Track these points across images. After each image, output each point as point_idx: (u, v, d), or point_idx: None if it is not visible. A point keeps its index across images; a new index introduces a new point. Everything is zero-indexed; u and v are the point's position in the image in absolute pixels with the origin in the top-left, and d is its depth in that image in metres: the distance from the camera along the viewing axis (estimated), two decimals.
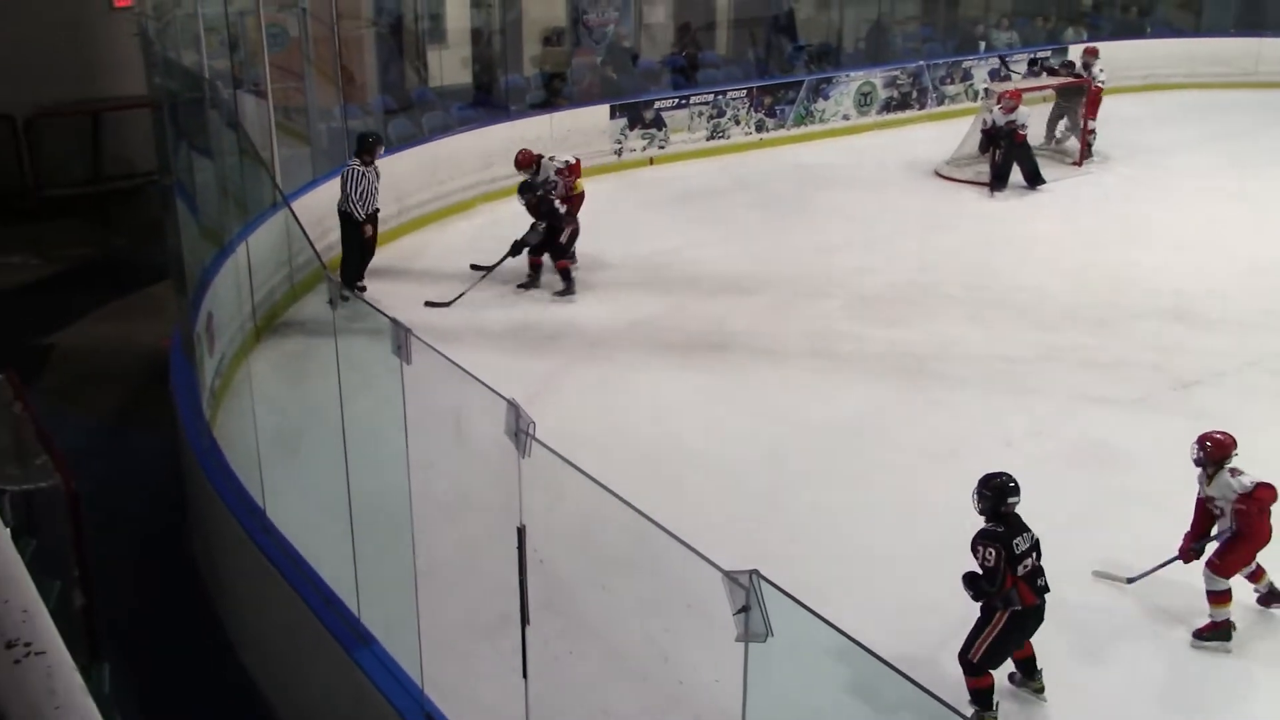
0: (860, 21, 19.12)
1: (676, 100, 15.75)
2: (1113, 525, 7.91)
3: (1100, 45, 18.92)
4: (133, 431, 10.14)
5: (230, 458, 7.56)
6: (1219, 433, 6.91)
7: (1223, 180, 15.11)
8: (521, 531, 4.58)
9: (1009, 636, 6.04)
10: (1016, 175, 14.57)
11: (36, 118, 15.00)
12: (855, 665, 3.48)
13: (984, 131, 14.57)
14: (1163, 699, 6.47)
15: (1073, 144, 15.64)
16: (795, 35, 18.33)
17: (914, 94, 17.72)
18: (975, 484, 6.20)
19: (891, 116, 17.55)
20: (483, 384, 4.61)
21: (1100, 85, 15.49)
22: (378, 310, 5.32)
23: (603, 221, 13.42)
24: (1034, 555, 6.02)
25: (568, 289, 11.37)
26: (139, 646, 7.44)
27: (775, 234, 13.20)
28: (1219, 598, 6.77)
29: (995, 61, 18.45)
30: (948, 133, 16.01)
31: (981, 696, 6.15)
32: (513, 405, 4.37)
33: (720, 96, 16.04)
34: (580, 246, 11.85)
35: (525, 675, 4.89)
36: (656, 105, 15.55)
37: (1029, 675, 6.36)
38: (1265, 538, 6.76)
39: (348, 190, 11.10)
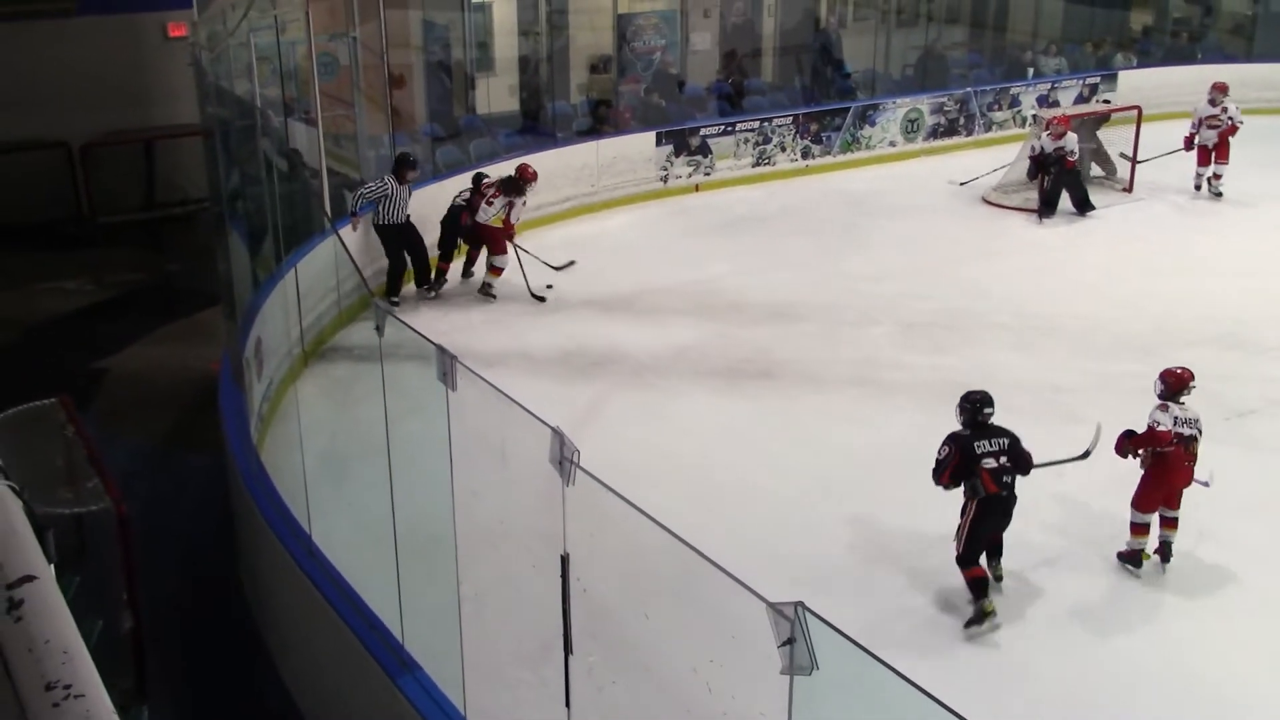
0: (907, 48, 19.08)
1: (722, 127, 15.76)
2: (1174, 557, 7.78)
3: (1151, 71, 18.86)
4: (183, 455, 10.25)
5: (277, 481, 7.61)
6: (1179, 368, 7.61)
7: (1276, 207, 14.90)
8: (565, 559, 4.56)
9: (981, 521, 7.10)
10: (1066, 202, 14.45)
11: (92, 145, 15.26)
12: (903, 701, 3.43)
13: (1032, 158, 14.46)
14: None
15: (1124, 170, 15.46)
16: (841, 62, 18.31)
17: (961, 120, 17.63)
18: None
19: (939, 143, 17.46)
20: (527, 411, 4.60)
21: (1239, 124, 14.99)
22: (423, 337, 5.34)
23: (648, 248, 13.49)
24: (1000, 457, 7.06)
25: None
26: (184, 669, 7.49)
27: (821, 261, 13.15)
28: (1135, 529, 7.55)
29: (1044, 88, 18.33)
30: (996, 159, 15.91)
31: (977, 586, 7.07)
32: (557, 433, 4.36)
33: (766, 123, 16.04)
34: (624, 272, 11.90)
35: (568, 704, 4.86)
36: (702, 132, 15.57)
37: (991, 557, 7.36)
38: (1174, 480, 7.40)
39: (357, 192, 11.53)
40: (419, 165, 12.10)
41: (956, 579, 7.43)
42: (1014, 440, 7.17)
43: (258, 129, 10.25)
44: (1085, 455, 8.09)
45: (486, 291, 11.93)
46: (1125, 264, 13.01)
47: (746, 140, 15.88)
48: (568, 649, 4.72)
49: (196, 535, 9.17)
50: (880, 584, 7.46)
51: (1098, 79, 18.69)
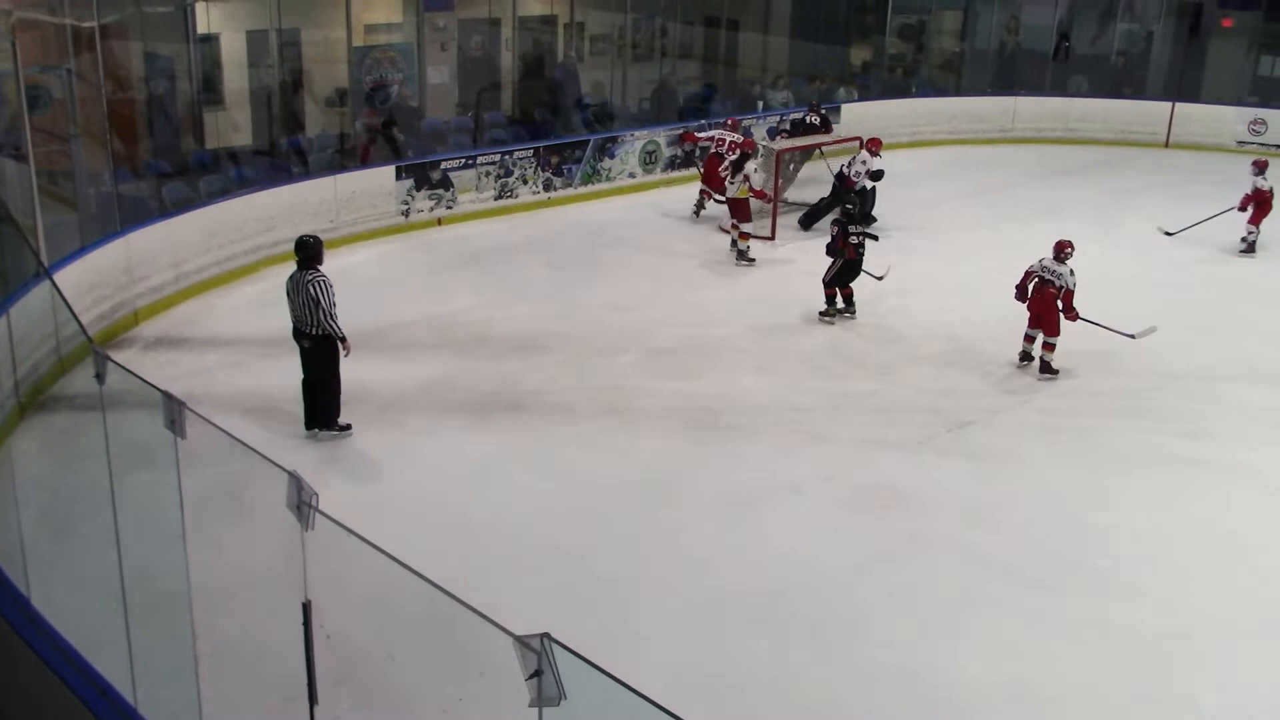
0: (643, 82, 19.53)
1: (463, 160, 15.71)
2: (903, 565, 8.18)
3: (871, 104, 19.91)
4: None
5: None
6: (1063, 239, 11.20)
7: (987, 229, 15.98)
8: (307, 607, 4.42)
9: (841, 272, 12.30)
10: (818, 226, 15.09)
11: None
12: None
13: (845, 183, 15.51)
14: None
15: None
16: (581, 95, 18.59)
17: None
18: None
19: (676, 174, 17.92)
20: (262, 456, 4.44)
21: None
22: (148, 383, 5.08)
23: (391, 283, 13.29)
24: (860, 237, 12.26)
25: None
26: None
27: (566, 292, 13.26)
28: (1025, 338, 11.46)
29: (773, 119, 19.10)
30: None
31: (829, 299, 12.43)
32: (294, 477, 4.22)
33: (507, 156, 16.09)
34: (367, 308, 11.69)
35: None
36: (443, 166, 15.47)
37: (848, 304, 12.51)
38: (1035, 306, 11.21)
39: (331, 301, 9.34)
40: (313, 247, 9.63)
41: (710, 604, 7.60)
42: (865, 232, 12.45)
43: None
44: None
45: (742, 256, 14.43)
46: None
47: (488, 173, 15.88)
48: (313, 699, 4.57)
49: None
50: (637, 610, 7.53)
51: (824, 112, 19.58)
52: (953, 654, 7.21)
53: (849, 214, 12.38)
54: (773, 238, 15.10)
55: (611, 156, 17.20)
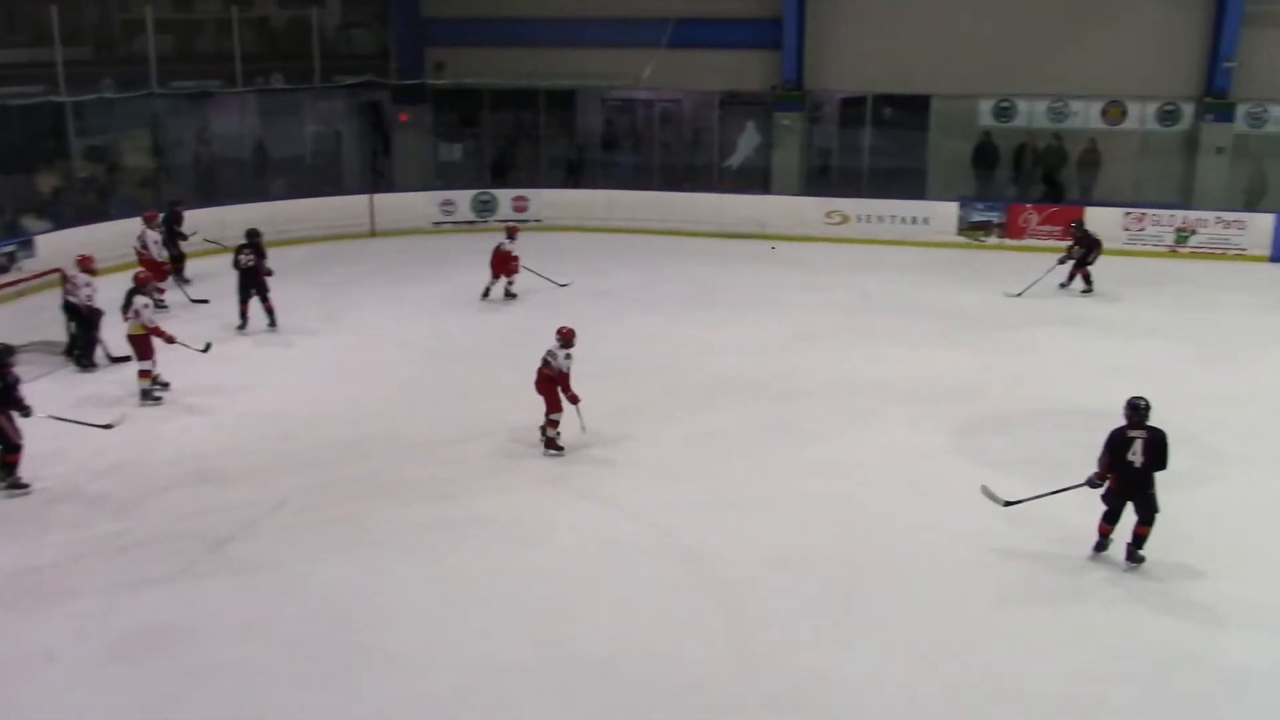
0: None
1: None
2: (189, 703, 7.67)
3: (68, 231, 18.67)
4: None
5: None
6: (563, 328, 11.71)
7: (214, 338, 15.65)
8: None
9: None
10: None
11: None
12: None
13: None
14: None
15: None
16: None
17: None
18: None
19: None
20: None
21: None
22: None
23: None
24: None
25: None
26: None
27: None
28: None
29: None
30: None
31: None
32: None
33: None
34: None
35: None
36: None
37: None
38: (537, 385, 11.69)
39: None
40: None
41: None
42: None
43: None
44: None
45: (146, 395, 13.32)
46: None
47: None
48: None
49: None
50: None
51: (13, 246, 18.00)
52: None
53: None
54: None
55: None
